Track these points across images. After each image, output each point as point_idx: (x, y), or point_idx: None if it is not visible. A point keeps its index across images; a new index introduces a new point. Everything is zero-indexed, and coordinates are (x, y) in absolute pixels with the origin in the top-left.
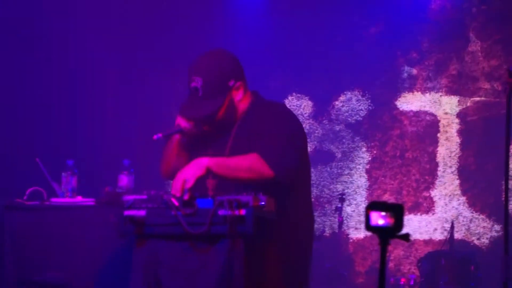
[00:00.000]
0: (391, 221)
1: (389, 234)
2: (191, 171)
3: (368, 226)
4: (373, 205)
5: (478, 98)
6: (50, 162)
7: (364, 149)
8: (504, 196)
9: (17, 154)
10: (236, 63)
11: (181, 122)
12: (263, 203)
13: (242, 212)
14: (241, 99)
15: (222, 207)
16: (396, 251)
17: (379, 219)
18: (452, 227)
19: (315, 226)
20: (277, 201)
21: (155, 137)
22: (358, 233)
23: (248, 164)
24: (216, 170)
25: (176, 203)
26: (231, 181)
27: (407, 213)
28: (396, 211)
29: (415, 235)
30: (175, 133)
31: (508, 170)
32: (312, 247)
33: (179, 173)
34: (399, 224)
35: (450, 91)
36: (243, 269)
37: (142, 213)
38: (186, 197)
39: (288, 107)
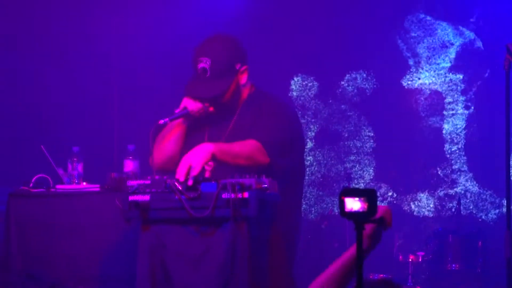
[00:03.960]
0: (365, 206)
1: (364, 219)
2: (198, 157)
3: (343, 212)
4: (347, 192)
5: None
6: (55, 149)
7: (370, 128)
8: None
9: (22, 142)
10: (242, 47)
11: (188, 103)
12: (265, 185)
13: (245, 195)
14: (245, 84)
15: (225, 190)
16: (404, 228)
17: (353, 204)
18: (459, 203)
19: (324, 205)
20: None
21: (161, 121)
22: None
23: (247, 151)
24: (219, 157)
25: (180, 187)
26: (231, 167)
27: (415, 190)
28: (370, 196)
29: (424, 212)
30: (182, 116)
31: (510, 145)
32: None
33: (184, 158)
34: (373, 209)
35: (455, 69)
36: (247, 251)
37: (146, 197)
38: (190, 182)
39: (286, 102)
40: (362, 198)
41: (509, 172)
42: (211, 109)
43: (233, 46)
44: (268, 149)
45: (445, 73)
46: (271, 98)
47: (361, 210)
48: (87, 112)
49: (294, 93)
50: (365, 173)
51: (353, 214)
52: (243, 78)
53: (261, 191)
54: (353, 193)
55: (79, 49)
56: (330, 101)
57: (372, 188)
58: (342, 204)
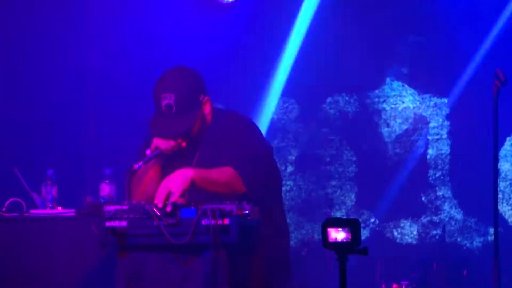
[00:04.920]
0: (349, 236)
1: (348, 250)
2: (177, 183)
3: (326, 243)
4: (330, 222)
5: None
6: (29, 172)
7: (352, 152)
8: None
9: None
10: (201, 78)
11: (160, 143)
12: (247, 211)
13: (226, 221)
14: (209, 112)
15: (205, 216)
16: (387, 255)
17: (337, 235)
18: (443, 230)
19: (303, 231)
20: None
21: (136, 166)
22: None
23: (226, 179)
24: (199, 183)
25: (158, 213)
26: (207, 193)
27: (398, 217)
28: (353, 226)
29: (407, 239)
30: (156, 156)
31: (497, 173)
32: (288, 255)
33: (163, 183)
34: (356, 239)
35: (440, 93)
36: (227, 279)
37: (123, 223)
38: (168, 208)
39: (246, 117)
40: (346, 229)
41: (497, 200)
42: (183, 144)
43: (194, 78)
44: (243, 177)
45: (430, 97)
46: (232, 118)
47: (344, 241)
48: (62, 133)
49: (275, 116)
50: (346, 198)
51: (337, 245)
52: (207, 108)
53: (242, 218)
54: (337, 223)
55: (54, 65)
56: (312, 124)
57: (355, 218)
58: (325, 235)
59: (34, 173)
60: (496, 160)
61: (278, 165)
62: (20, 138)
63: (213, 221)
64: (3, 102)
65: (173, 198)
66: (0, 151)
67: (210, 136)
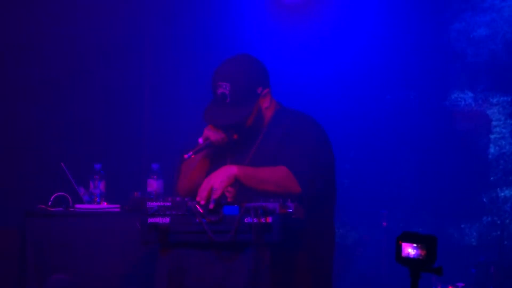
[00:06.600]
0: (423, 253)
1: (421, 267)
2: (220, 180)
3: (399, 258)
4: (405, 236)
5: None
6: (77, 166)
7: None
8: None
9: (42, 159)
10: (263, 69)
11: (210, 134)
12: (290, 210)
13: (269, 219)
14: (268, 106)
15: (248, 215)
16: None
17: (410, 250)
18: (502, 232)
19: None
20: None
21: (186, 156)
22: None
23: (277, 178)
24: (244, 181)
25: (201, 210)
26: (257, 192)
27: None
28: (429, 243)
29: (466, 241)
30: (206, 148)
31: None
32: (333, 259)
33: (206, 180)
34: (431, 256)
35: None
36: (270, 278)
37: (166, 220)
38: (211, 206)
39: (314, 119)
40: (420, 245)
41: None
42: (235, 136)
43: (254, 68)
44: (299, 178)
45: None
46: (297, 118)
47: (418, 257)
48: (112, 127)
49: None
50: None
51: (410, 261)
52: (266, 102)
53: (286, 216)
54: (412, 238)
55: (105, 60)
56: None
57: (432, 234)
58: (398, 249)
59: (83, 168)
60: None
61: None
62: (68, 133)
63: (255, 219)
64: (51, 96)
65: (215, 195)
66: (48, 147)
67: (270, 132)
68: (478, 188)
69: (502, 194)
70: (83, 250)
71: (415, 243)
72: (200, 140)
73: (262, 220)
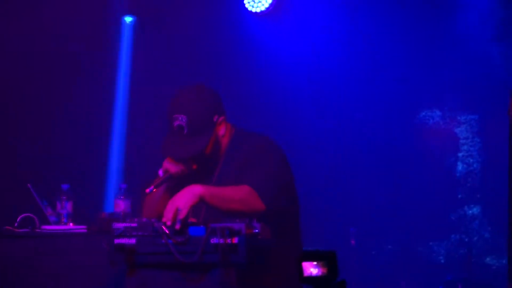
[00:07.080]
0: (324, 270)
1: (324, 284)
2: (185, 200)
3: (302, 278)
4: (305, 255)
5: None
6: (44, 187)
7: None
8: None
9: (8, 180)
10: (217, 98)
11: (170, 167)
12: (257, 230)
13: (235, 240)
14: (224, 134)
15: (214, 235)
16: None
17: (312, 269)
18: (470, 249)
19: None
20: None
21: (147, 190)
22: None
23: (240, 195)
24: (209, 200)
25: (167, 231)
26: (222, 211)
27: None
28: (329, 259)
29: (434, 259)
30: (166, 181)
31: None
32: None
33: (171, 201)
34: (333, 272)
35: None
36: None
37: (132, 241)
38: (177, 226)
39: (268, 137)
40: (321, 262)
41: None
42: (194, 167)
43: (208, 98)
44: (262, 195)
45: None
46: (255, 140)
47: (321, 275)
48: (78, 147)
49: None
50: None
51: (312, 279)
52: (221, 129)
53: (252, 237)
54: (312, 256)
55: (68, 80)
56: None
57: (332, 250)
58: (300, 269)
59: (49, 189)
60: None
61: None
62: (34, 154)
63: (221, 240)
64: (17, 116)
65: (181, 216)
66: (14, 168)
67: (229, 156)
68: (446, 205)
69: (470, 211)
70: (49, 271)
71: (315, 261)
72: (160, 173)
73: (228, 241)
